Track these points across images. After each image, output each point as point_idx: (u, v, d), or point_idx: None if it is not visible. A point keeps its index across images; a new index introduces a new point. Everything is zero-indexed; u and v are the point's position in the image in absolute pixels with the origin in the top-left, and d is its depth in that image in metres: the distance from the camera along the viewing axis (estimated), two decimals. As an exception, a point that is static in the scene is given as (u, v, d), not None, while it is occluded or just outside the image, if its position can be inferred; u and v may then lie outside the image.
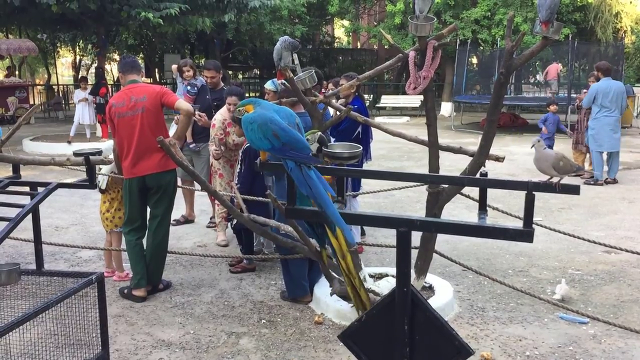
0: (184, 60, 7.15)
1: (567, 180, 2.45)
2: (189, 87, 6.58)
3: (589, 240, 4.45)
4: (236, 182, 5.03)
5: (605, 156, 9.06)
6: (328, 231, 3.00)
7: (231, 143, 5.58)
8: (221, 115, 5.65)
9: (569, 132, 10.27)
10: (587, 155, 9.51)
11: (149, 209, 4.78)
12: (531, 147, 2.55)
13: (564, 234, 4.52)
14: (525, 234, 2.24)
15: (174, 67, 7.23)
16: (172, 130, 5.58)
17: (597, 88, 8.89)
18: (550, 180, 2.43)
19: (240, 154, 5.07)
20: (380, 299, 2.59)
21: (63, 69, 39.95)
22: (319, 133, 2.88)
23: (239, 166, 5.10)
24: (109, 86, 17.47)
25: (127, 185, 4.63)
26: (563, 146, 10.56)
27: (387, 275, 4.62)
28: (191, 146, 6.49)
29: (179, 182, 6.74)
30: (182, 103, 4.62)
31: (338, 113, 4.13)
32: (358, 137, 5.51)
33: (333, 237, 3.02)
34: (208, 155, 6.30)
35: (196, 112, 6.26)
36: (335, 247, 3.05)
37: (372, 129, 5.83)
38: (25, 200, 4.00)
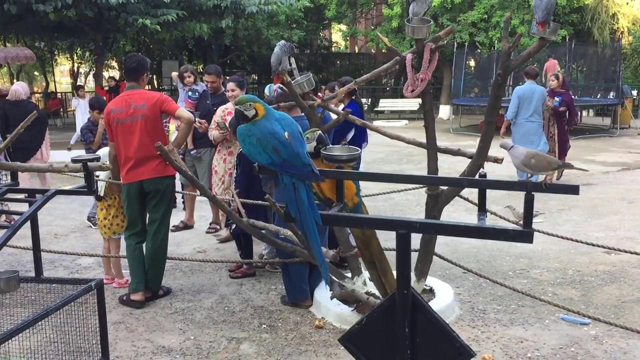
0: (184, 67, 7.17)
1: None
2: (190, 93, 6.58)
3: (587, 243, 4.44)
4: (234, 187, 5.03)
5: None
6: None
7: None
8: (224, 105, 5.87)
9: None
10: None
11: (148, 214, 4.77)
12: (500, 146, 2.54)
13: (562, 237, 4.50)
14: (525, 235, 2.23)
15: (174, 74, 7.23)
16: (173, 137, 5.60)
17: (520, 92, 8.38)
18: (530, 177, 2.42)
19: (236, 159, 5.07)
20: (380, 302, 2.58)
21: (61, 77, 39.96)
22: (319, 132, 2.86)
23: (235, 171, 5.10)
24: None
25: (125, 190, 4.63)
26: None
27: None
28: (192, 152, 6.49)
29: (179, 188, 6.78)
30: (183, 111, 4.65)
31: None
32: (351, 141, 5.50)
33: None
34: (209, 161, 6.31)
35: (196, 120, 6.28)
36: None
37: (369, 134, 5.81)
38: (24, 207, 3.98)
